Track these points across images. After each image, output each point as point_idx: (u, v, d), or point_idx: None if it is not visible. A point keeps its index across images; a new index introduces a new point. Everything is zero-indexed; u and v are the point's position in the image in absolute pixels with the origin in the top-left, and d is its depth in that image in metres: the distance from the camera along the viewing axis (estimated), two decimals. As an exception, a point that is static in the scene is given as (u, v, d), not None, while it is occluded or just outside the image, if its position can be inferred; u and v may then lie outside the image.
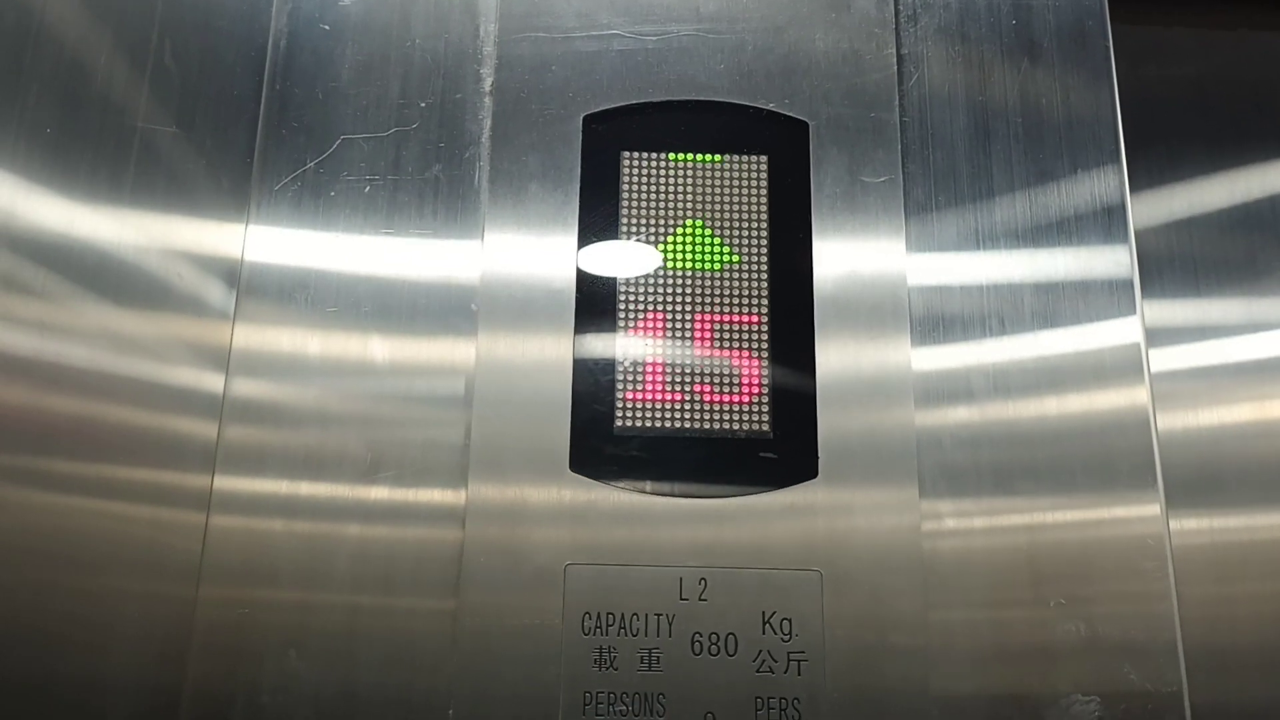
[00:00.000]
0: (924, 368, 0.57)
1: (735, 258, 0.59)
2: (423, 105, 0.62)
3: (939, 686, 0.52)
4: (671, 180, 0.60)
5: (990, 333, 0.58)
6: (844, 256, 0.58)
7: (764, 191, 0.60)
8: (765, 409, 0.56)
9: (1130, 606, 0.54)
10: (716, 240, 0.59)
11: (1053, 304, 0.59)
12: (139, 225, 0.53)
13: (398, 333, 0.58)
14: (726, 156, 0.60)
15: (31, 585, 0.47)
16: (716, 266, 0.59)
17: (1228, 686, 0.64)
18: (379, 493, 0.55)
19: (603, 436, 0.56)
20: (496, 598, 0.53)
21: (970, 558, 0.54)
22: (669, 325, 0.58)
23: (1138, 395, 0.57)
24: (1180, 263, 0.75)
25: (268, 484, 0.56)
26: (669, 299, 0.58)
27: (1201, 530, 0.69)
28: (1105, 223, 0.60)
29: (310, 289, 0.58)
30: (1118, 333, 0.59)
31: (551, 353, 0.57)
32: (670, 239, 0.59)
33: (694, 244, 0.59)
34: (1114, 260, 0.60)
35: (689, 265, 0.59)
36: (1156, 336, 0.73)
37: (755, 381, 0.57)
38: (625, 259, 0.59)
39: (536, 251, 0.58)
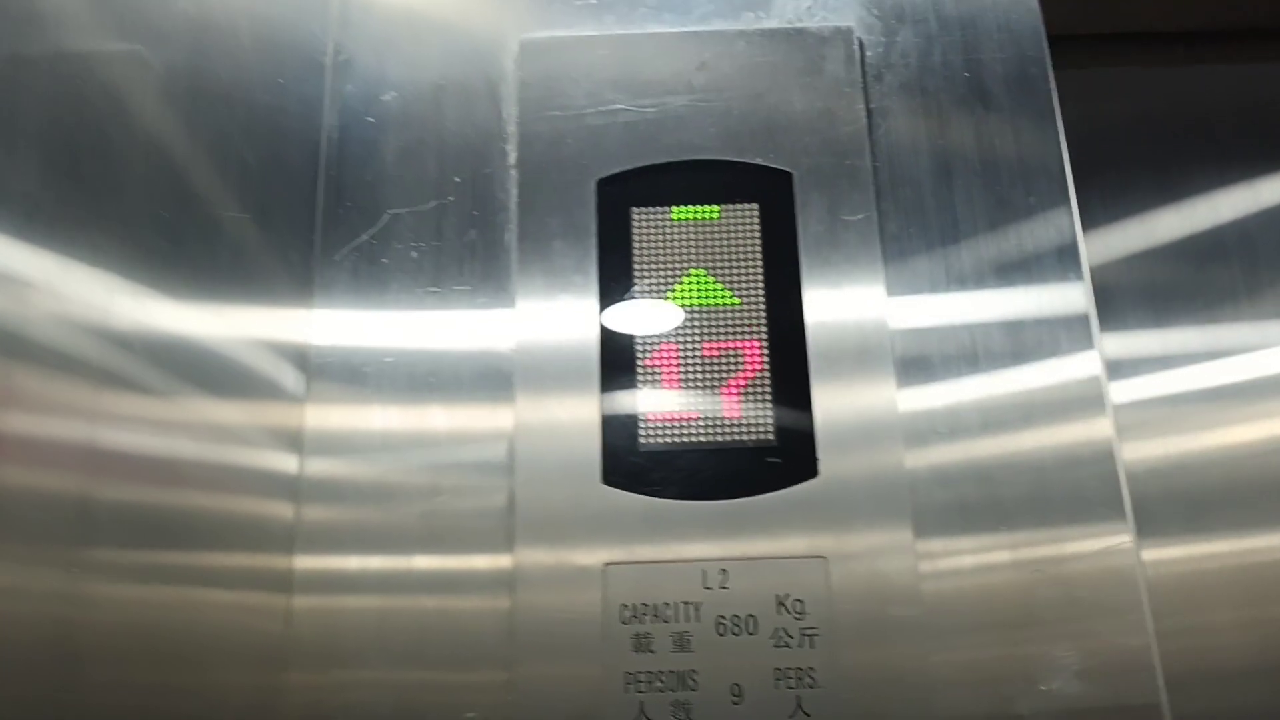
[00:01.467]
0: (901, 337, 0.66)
1: (735, 300, 0.68)
2: (457, 180, 0.71)
3: (936, 653, 0.60)
4: (676, 229, 0.69)
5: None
6: (829, 280, 0.67)
7: (757, 234, 0.69)
8: (769, 420, 0.65)
9: (1107, 641, 0.60)
10: (718, 284, 0.68)
11: (1018, 341, 0.66)
12: (227, 317, 0.62)
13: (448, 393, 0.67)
14: (722, 206, 0.69)
15: (132, 682, 0.51)
16: (720, 302, 0.67)
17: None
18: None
19: (629, 453, 0.64)
20: (549, 598, 0.61)
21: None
22: (681, 354, 0.66)
23: (1101, 427, 0.64)
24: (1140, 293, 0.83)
25: (344, 561, 0.63)
26: (681, 330, 0.67)
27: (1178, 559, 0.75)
28: (1059, 259, 0.68)
29: (369, 365, 0.67)
30: (1078, 367, 0.65)
31: (581, 382, 0.66)
32: (678, 284, 0.68)
33: (700, 286, 0.68)
34: (1070, 296, 0.67)
35: (697, 302, 0.68)
36: (1125, 368, 0.80)
37: (759, 398, 0.65)
38: (641, 298, 0.68)
39: (563, 295, 0.68)
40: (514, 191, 0.71)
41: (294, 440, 0.65)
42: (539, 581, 0.62)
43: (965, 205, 0.70)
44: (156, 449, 0.55)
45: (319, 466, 0.65)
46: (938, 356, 0.66)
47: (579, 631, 0.61)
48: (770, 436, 0.64)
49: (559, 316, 0.67)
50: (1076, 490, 0.63)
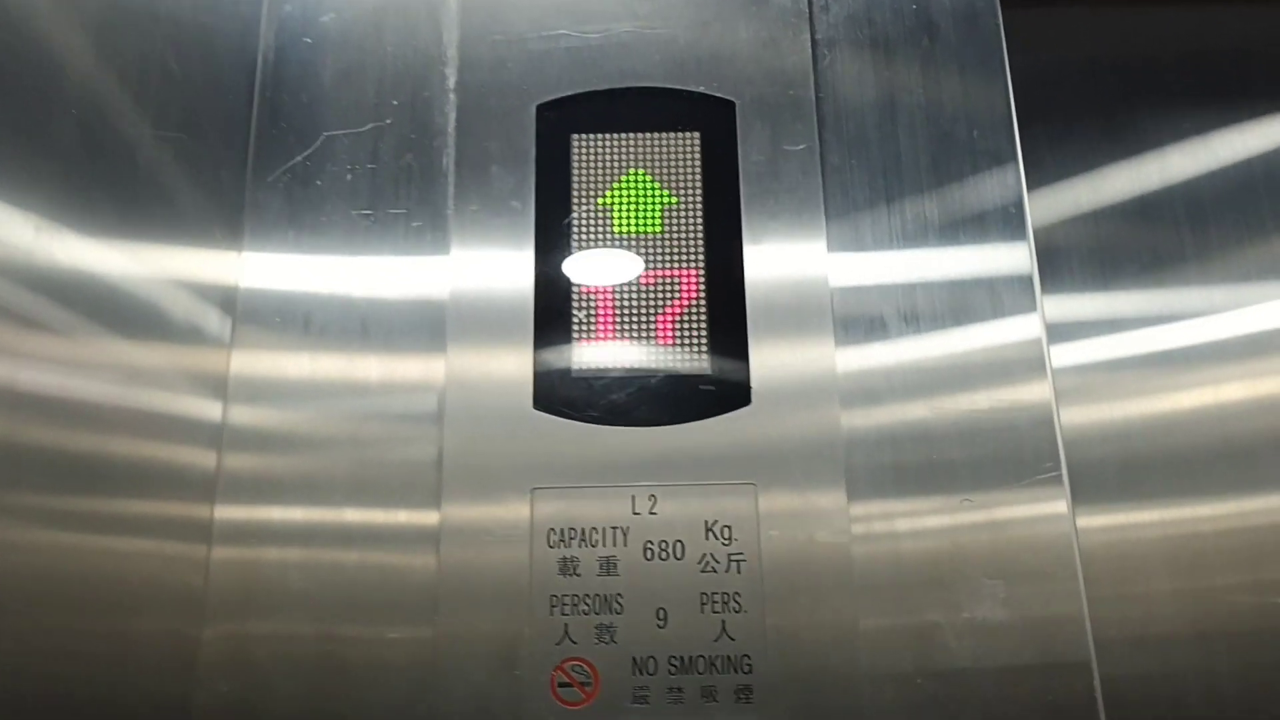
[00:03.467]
0: (840, 293, 0.65)
1: (672, 223, 0.67)
2: (395, 103, 0.70)
3: (862, 576, 0.59)
4: (616, 155, 0.68)
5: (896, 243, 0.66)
6: (767, 211, 0.66)
7: (698, 163, 0.68)
8: (704, 349, 0.64)
9: (1039, 604, 0.59)
10: (658, 196, 0.67)
11: (959, 300, 0.65)
12: (152, 255, 0.60)
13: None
14: (663, 134, 0.69)
15: (46, 628, 0.50)
16: (658, 229, 0.67)
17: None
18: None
19: (562, 378, 0.63)
20: (476, 519, 0.61)
21: (883, 470, 0.62)
22: (619, 278, 0.65)
23: (1040, 390, 0.63)
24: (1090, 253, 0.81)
25: (268, 512, 0.62)
26: (619, 258, 0.66)
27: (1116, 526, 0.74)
28: (1002, 203, 0.67)
29: (300, 310, 0.65)
30: (1020, 329, 0.65)
31: (515, 309, 0.65)
32: (616, 197, 0.67)
33: (638, 204, 0.67)
34: (1014, 255, 0.66)
35: (635, 229, 0.67)
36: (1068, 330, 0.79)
37: (694, 326, 0.65)
38: (579, 224, 0.67)
39: (498, 220, 0.67)
40: (452, 115, 0.70)
41: (218, 386, 0.64)
42: (467, 504, 0.61)
43: (908, 138, 0.69)
44: (73, 392, 0.53)
45: (243, 414, 0.64)
46: (875, 302, 0.66)
47: (506, 555, 0.60)
48: (704, 364, 0.64)
49: (495, 243, 0.66)
50: (1013, 454, 0.62)
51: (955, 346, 0.64)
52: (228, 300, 0.65)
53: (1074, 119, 0.84)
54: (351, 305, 0.65)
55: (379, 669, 0.59)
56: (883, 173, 0.68)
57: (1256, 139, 0.85)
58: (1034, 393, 0.63)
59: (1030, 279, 0.66)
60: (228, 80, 0.69)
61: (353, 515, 0.61)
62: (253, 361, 0.65)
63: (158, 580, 0.58)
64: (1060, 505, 0.61)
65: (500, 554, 0.60)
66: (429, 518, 0.61)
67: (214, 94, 0.67)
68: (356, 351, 0.64)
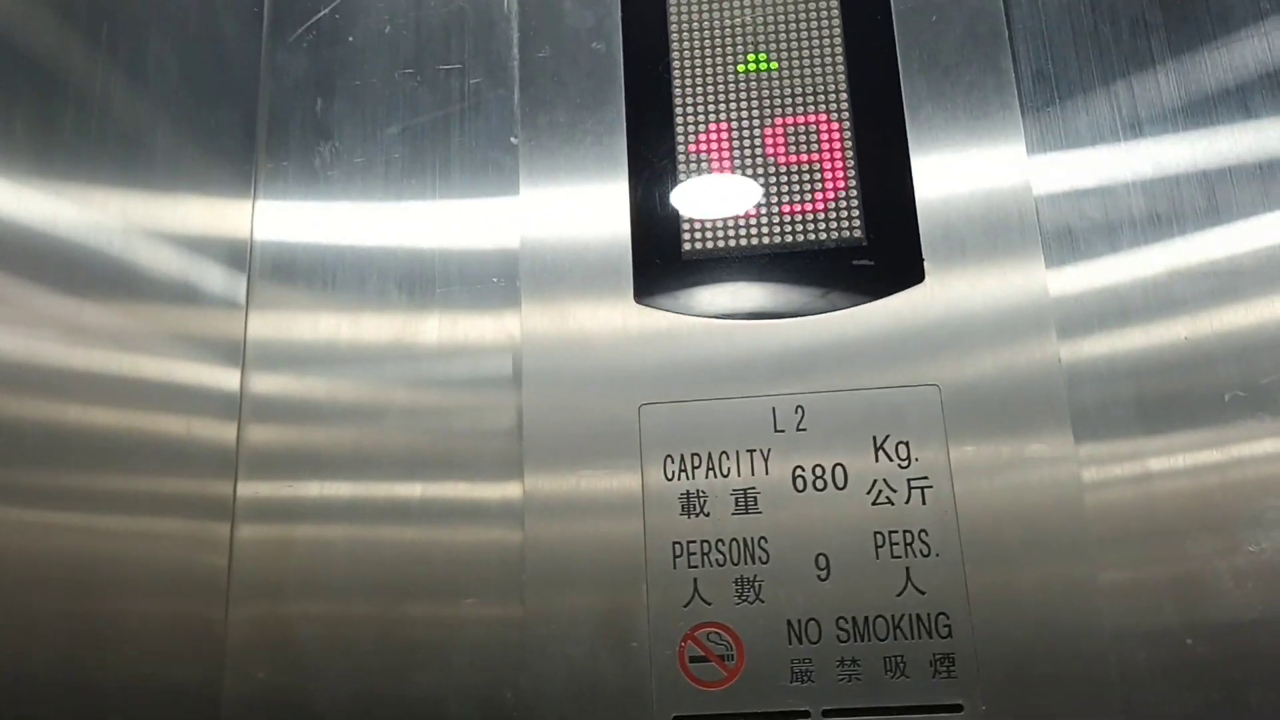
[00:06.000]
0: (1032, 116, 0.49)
1: (802, 56, 0.51)
2: (443, -65, 0.55)
3: (1094, 500, 0.43)
4: (723, -23, 0.52)
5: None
6: (930, 18, 0.50)
7: (831, -22, 0.52)
8: (855, 212, 0.48)
9: None
10: (782, 21, 0.51)
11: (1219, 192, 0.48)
12: (159, 205, 0.47)
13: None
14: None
15: (52, 612, 0.40)
16: (784, 65, 0.51)
17: None
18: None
19: (669, 260, 0.49)
20: (567, 446, 0.46)
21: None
22: (736, 133, 0.50)
23: None
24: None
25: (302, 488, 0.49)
26: (735, 102, 0.50)
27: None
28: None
29: (327, 264, 0.52)
30: None
31: (605, 172, 0.50)
32: (728, 24, 0.51)
33: (757, 33, 0.51)
34: None
35: (757, 68, 0.51)
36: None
37: (840, 185, 0.49)
38: (680, 65, 0.51)
39: (577, 66, 0.52)
40: (515, -58, 0.55)
41: (233, 352, 0.51)
42: (552, 431, 0.47)
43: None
44: (68, 361, 0.41)
45: (262, 383, 0.51)
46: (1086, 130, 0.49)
47: (611, 492, 0.46)
48: (857, 233, 0.48)
49: (572, 98, 0.51)
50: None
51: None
52: (240, 254, 0.52)
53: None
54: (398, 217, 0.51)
55: (452, 649, 0.45)
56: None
57: None
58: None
59: None
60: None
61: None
62: (271, 323, 0.51)
63: (178, 560, 0.46)
64: None
65: (604, 491, 0.46)
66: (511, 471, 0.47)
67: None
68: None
